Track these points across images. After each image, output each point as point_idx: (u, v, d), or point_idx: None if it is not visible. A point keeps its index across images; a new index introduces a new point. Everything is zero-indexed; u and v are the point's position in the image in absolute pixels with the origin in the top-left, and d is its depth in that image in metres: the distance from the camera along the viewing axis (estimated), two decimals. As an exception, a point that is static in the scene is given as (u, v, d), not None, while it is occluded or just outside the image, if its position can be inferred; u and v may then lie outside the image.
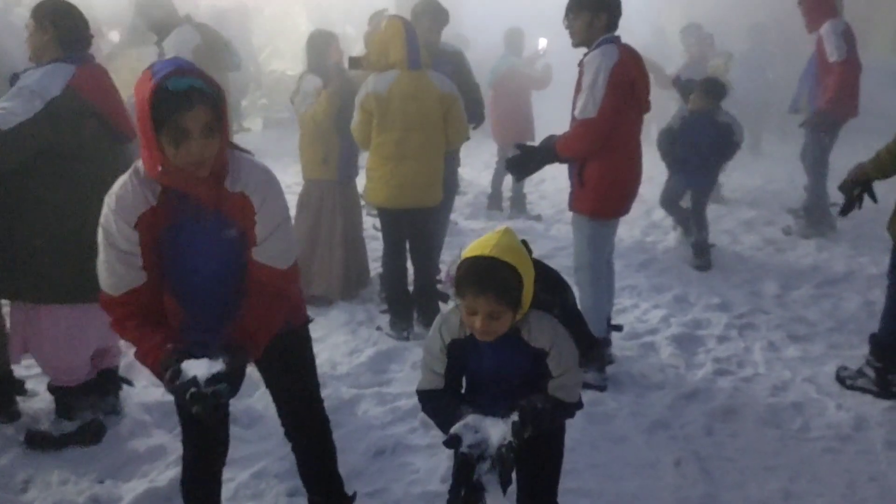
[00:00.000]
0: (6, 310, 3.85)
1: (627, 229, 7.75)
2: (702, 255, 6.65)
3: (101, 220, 2.38)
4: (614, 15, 4.31)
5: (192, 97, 2.20)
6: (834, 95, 7.02)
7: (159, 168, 2.26)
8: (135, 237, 2.35)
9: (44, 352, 3.71)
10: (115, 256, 2.36)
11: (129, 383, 4.11)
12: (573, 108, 4.33)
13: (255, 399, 4.05)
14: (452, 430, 2.25)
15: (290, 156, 5.53)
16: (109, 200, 2.37)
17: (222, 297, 2.53)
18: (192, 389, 2.14)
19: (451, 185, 5.60)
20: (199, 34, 5.67)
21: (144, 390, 4.19)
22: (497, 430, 2.21)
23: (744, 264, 6.70)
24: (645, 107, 4.42)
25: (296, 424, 2.94)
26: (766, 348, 5.01)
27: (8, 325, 3.83)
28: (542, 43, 8.85)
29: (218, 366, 2.20)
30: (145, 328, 2.38)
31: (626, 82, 4.19)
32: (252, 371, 2.77)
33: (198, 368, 2.19)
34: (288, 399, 2.89)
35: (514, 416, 2.22)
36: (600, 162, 4.26)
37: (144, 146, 2.28)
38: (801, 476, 3.61)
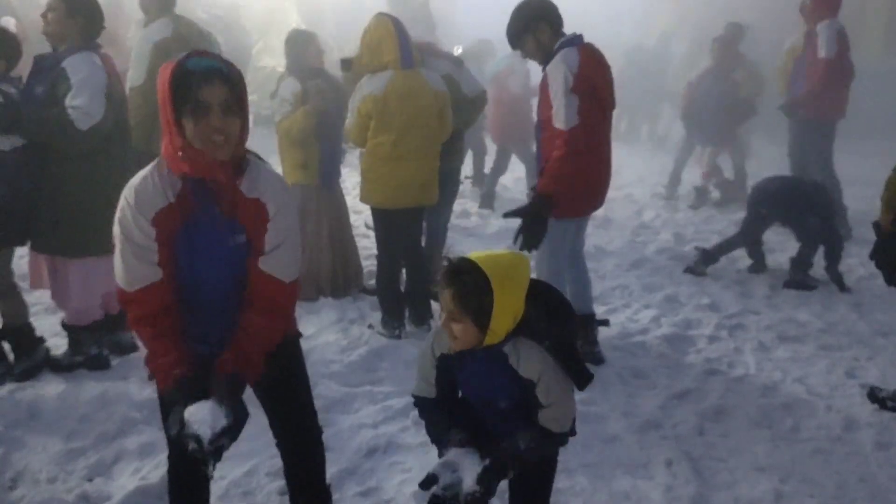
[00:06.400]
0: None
1: (618, 230, 7.78)
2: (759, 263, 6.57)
3: (118, 213, 2.37)
4: (554, 19, 4.33)
5: (211, 74, 2.26)
6: (815, 89, 7.26)
7: (179, 153, 2.28)
8: (151, 232, 2.34)
9: (68, 297, 4.34)
10: (130, 250, 2.35)
11: None
12: (540, 117, 4.36)
13: (245, 397, 4.02)
14: (432, 469, 2.30)
15: (277, 154, 5.52)
16: (128, 194, 2.37)
17: (224, 306, 2.50)
18: (194, 446, 2.18)
19: (453, 185, 5.56)
20: (171, 28, 5.55)
21: (134, 387, 4.17)
22: (473, 473, 2.25)
23: (734, 265, 6.71)
24: (610, 105, 4.42)
25: (287, 437, 2.86)
26: (757, 349, 5.03)
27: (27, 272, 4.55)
28: None
29: (222, 420, 2.21)
30: (161, 340, 2.37)
31: (588, 86, 4.20)
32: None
33: (202, 423, 2.19)
34: (280, 413, 2.82)
35: (486, 462, 2.25)
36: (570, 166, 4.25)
37: (165, 131, 2.31)
38: (792, 477, 3.62)
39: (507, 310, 2.24)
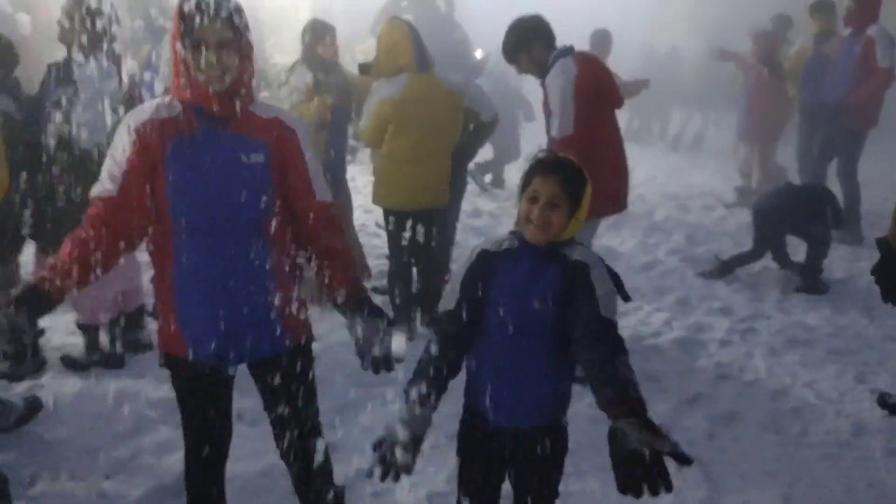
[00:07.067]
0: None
1: (630, 231, 7.77)
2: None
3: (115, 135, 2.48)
4: (547, 35, 4.42)
5: (211, 9, 2.33)
6: (865, 97, 7.25)
7: (181, 80, 2.38)
8: (127, 144, 2.39)
9: (78, 296, 4.19)
10: (107, 163, 2.44)
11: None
12: (548, 130, 4.40)
13: (259, 396, 4.07)
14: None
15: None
16: (126, 116, 2.48)
17: (241, 236, 2.47)
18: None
19: (461, 184, 5.59)
20: None
21: (150, 385, 4.22)
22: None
23: (745, 268, 6.70)
24: (617, 104, 4.47)
25: (292, 452, 2.83)
26: (767, 353, 5.05)
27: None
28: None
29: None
30: (71, 243, 2.39)
31: (591, 91, 4.27)
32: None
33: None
34: (284, 427, 2.80)
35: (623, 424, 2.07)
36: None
37: (172, 59, 2.41)
38: (801, 481, 3.65)
39: (588, 203, 2.41)
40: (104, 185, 2.42)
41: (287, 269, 2.64)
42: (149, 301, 4.78)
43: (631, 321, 5.46)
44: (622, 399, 2.09)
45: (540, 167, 2.40)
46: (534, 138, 7.32)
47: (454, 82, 4.89)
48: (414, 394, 2.34)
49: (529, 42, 4.38)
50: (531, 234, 2.38)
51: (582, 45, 4.70)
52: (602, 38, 8.95)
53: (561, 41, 4.50)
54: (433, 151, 4.76)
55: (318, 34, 5.48)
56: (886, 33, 7.16)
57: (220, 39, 2.35)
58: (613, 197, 4.53)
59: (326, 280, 2.55)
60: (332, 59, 5.52)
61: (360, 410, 4.12)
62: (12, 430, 3.79)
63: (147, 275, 4.80)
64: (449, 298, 2.48)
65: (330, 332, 5.04)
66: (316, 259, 2.59)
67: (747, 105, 8.90)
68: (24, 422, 3.80)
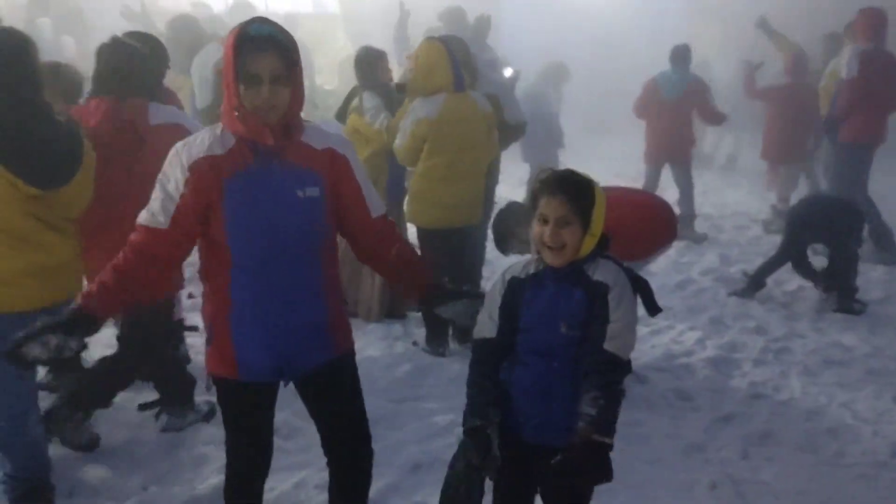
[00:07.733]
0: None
1: (662, 249, 7.73)
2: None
3: (165, 162, 2.50)
4: None
5: (266, 44, 2.37)
6: (840, 112, 7.31)
7: (235, 113, 2.42)
8: (181, 181, 2.43)
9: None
10: (159, 196, 2.47)
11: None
12: None
13: (294, 410, 4.11)
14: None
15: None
16: (178, 145, 2.51)
17: (295, 264, 2.53)
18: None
19: (489, 203, 5.64)
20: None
21: (186, 399, 4.28)
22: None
23: (779, 288, 6.66)
24: None
25: (342, 457, 2.89)
26: (802, 373, 4.99)
27: None
28: None
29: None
30: (115, 270, 2.46)
31: None
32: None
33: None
34: (335, 432, 2.85)
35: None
36: None
37: (226, 92, 2.45)
38: (836, 501, 3.60)
39: (601, 214, 2.40)
40: (155, 216, 2.46)
41: (335, 283, 2.71)
42: (189, 316, 4.86)
43: (663, 339, 5.45)
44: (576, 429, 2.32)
45: (545, 188, 2.39)
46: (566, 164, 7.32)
47: (487, 102, 4.95)
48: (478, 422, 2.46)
49: None
50: (548, 258, 2.41)
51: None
52: (684, 53, 9.01)
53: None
54: (467, 170, 4.81)
55: (376, 59, 5.59)
56: (854, 49, 7.18)
57: (273, 74, 2.38)
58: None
59: (408, 284, 2.78)
60: (388, 83, 5.61)
61: (390, 425, 4.13)
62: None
63: (184, 290, 4.94)
64: (488, 326, 2.53)
65: (362, 347, 5.10)
66: (390, 268, 2.76)
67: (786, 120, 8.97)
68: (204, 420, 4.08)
